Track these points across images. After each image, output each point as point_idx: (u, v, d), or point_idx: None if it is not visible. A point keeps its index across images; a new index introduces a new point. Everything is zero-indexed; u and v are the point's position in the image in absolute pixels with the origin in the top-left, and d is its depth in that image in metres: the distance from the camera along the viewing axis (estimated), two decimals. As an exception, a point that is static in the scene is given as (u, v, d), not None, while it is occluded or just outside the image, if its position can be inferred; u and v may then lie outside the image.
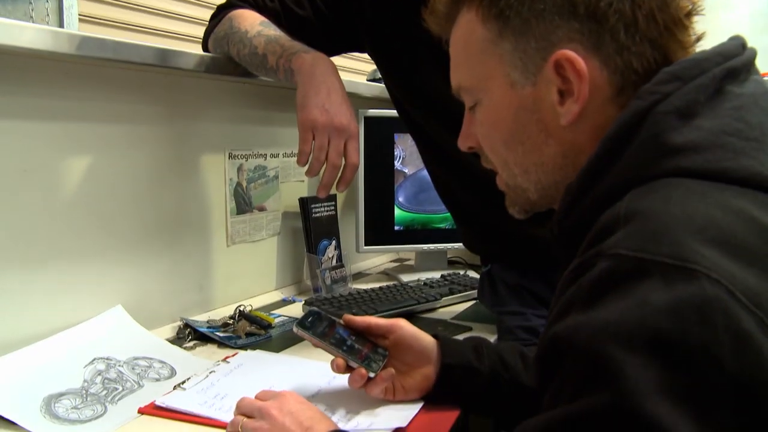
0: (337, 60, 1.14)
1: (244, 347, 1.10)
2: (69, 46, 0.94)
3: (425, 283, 1.48)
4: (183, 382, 0.93)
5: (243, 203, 1.38)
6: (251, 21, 1.18)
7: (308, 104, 1.04)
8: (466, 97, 0.71)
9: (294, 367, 1.02)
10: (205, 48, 1.28)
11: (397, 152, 1.70)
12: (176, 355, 1.05)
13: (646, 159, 0.55)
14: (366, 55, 1.29)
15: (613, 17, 0.59)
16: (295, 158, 1.07)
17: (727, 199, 0.50)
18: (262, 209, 1.44)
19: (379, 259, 1.94)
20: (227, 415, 0.81)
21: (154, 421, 0.84)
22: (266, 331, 1.18)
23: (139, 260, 1.15)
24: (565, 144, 0.64)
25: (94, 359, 0.96)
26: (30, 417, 0.81)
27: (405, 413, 0.85)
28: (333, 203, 1.58)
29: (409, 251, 1.87)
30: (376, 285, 1.46)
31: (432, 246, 1.75)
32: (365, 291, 1.38)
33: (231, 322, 1.20)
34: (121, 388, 0.91)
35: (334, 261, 1.56)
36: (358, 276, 1.74)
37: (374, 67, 1.44)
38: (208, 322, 1.21)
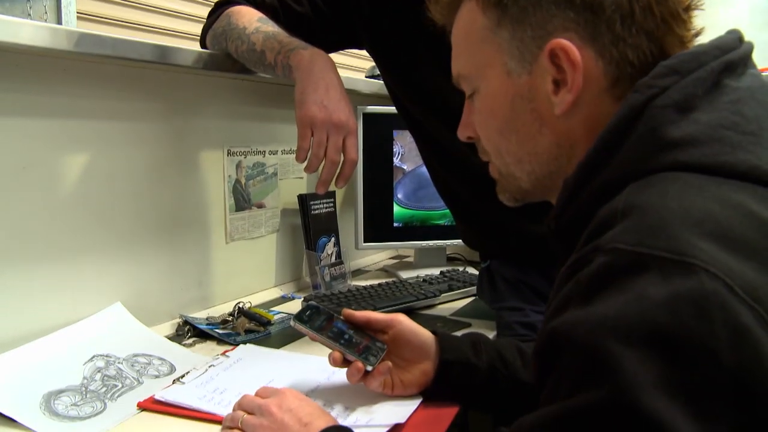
0: (335, 57, 1.13)
1: (243, 344, 1.10)
2: (67, 42, 0.94)
3: (424, 280, 1.48)
4: (182, 376, 0.93)
5: (242, 200, 1.38)
6: (249, 17, 1.18)
7: (307, 101, 1.04)
8: (465, 86, 0.72)
9: (293, 362, 1.02)
10: (203, 45, 1.28)
11: (396, 149, 1.70)
12: (175, 351, 1.05)
13: (644, 153, 0.55)
14: (364, 52, 1.29)
15: (610, 8, 0.59)
16: (294, 155, 1.07)
17: (725, 193, 0.50)
18: (261, 206, 1.44)
19: (378, 255, 1.94)
20: (226, 410, 0.81)
21: (153, 418, 0.84)
22: (265, 328, 1.18)
23: (139, 257, 1.15)
24: (559, 134, 0.64)
25: (94, 356, 0.97)
26: (30, 414, 0.81)
27: (404, 409, 0.85)
28: (332, 200, 1.58)
29: (408, 248, 1.87)
30: (375, 282, 1.46)
31: (431, 243, 1.75)
32: (364, 288, 1.38)
33: (230, 319, 1.21)
34: (120, 385, 0.92)
35: (333, 258, 1.56)
36: (357, 273, 1.74)
37: (373, 63, 1.44)
38: (207, 319, 1.21)
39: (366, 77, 1.86)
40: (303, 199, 1.51)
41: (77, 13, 1.88)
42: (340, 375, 0.90)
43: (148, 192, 1.17)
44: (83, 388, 0.89)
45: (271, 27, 1.15)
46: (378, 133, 1.67)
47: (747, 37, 0.61)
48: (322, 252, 1.53)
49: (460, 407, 0.87)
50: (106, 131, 1.09)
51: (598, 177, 0.58)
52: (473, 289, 1.41)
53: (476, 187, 1.16)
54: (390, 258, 1.98)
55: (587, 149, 0.59)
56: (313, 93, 1.04)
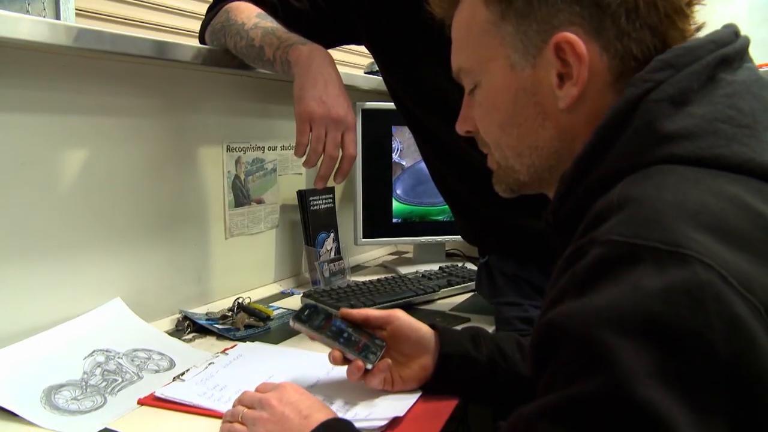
0: (334, 53, 1.14)
1: (242, 339, 1.11)
2: (66, 38, 0.94)
3: (423, 275, 1.49)
4: (182, 374, 0.93)
5: (241, 196, 1.39)
6: (248, 13, 1.18)
7: (305, 96, 1.05)
8: (466, 80, 0.72)
9: (292, 358, 1.02)
10: (202, 40, 1.28)
11: (394, 145, 1.70)
12: (175, 347, 1.06)
13: (639, 146, 0.55)
14: (363, 48, 1.29)
15: (615, 2, 0.59)
16: (293, 151, 1.07)
17: (720, 186, 0.50)
18: (260, 202, 1.44)
19: (377, 251, 1.94)
20: (226, 406, 0.81)
21: (153, 412, 0.85)
22: (265, 323, 1.18)
23: (138, 253, 1.16)
24: (561, 128, 0.64)
25: (94, 351, 0.97)
26: (30, 408, 0.81)
27: (403, 403, 0.85)
28: (331, 196, 1.58)
29: (407, 243, 1.88)
30: (375, 277, 1.46)
31: (430, 238, 1.75)
32: (363, 283, 1.38)
33: (230, 314, 1.21)
34: (120, 380, 0.92)
35: (333, 253, 1.56)
36: (357, 268, 1.74)
37: (372, 60, 1.44)
38: (206, 314, 1.22)
39: (365, 73, 1.87)
40: (302, 195, 1.51)
41: (75, 9, 1.88)
42: (339, 370, 0.90)
43: (148, 187, 1.17)
44: (83, 383, 0.89)
45: (269, 23, 1.16)
46: (377, 129, 1.67)
47: (745, 33, 0.61)
48: (322, 248, 1.53)
49: (458, 401, 0.88)
50: (105, 127, 1.09)
51: (594, 171, 0.58)
52: (472, 284, 1.41)
53: (475, 183, 1.16)
54: (389, 253, 1.98)
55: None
56: (312, 88, 1.05)
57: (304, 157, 1.06)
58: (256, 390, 0.80)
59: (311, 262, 1.50)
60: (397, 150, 1.71)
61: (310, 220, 1.51)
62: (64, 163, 1.03)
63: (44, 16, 1.75)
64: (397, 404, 0.85)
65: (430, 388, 0.89)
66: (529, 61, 0.63)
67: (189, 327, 1.15)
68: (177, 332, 1.14)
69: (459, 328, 0.95)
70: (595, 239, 0.50)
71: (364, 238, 1.69)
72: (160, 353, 1.01)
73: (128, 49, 1.04)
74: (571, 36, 0.60)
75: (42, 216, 0.99)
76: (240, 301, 1.25)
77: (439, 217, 1.75)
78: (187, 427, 0.81)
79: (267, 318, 1.20)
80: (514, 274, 1.19)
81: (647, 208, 0.49)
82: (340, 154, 1.07)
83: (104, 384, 0.90)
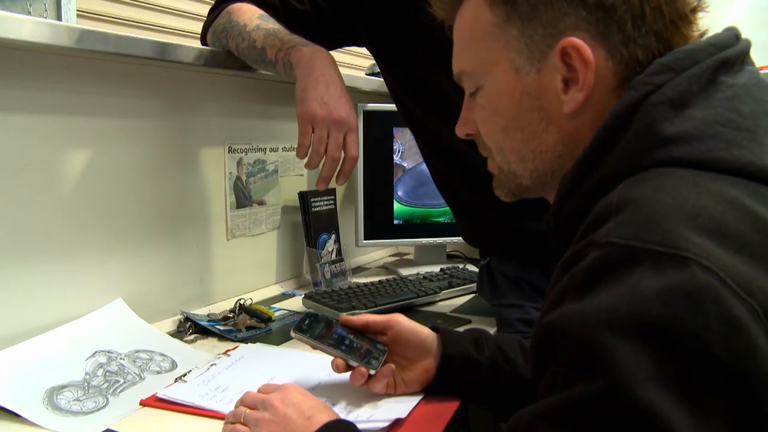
0: (335, 55, 1.14)
1: (244, 340, 1.11)
2: (69, 39, 0.94)
3: (424, 277, 1.49)
4: (184, 375, 0.94)
5: (243, 197, 1.39)
6: (250, 14, 1.18)
7: (307, 97, 1.05)
8: (468, 83, 0.71)
9: (294, 359, 1.02)
10: (203, 42, 1.28)
11: (396, 146, 1.71)
12: (177, 348, 1.06)
13: (639, 149, 0.56)
14: (365, 50, 1.29)
15: (622, 8, 0.59)
16: (295, 152, 1.08)
17: (719, 188, 0.51)
18: (261, 203, 1.44)
19: (378, 253, 1.94)
20: (228, 407, 0.81)
21: (155, 413, 0.85)
22: (266, 325, 1.19)
23: (140, 254, 1.16)
24: (565, 132, 0.64)
25: (96, 352, 0.97)
26: (33, 408, 0.82)
27: (405, 405, 0.86)
28: (332, 197, 1.58)
29: (408, 245, 1.88)
30: (376, 279, 1.46)
31: (431, 240, 1.75)
32: (365, 285, 1.38)
33: (231, 315, 1.21)
34: (122, 381, 0.92)
35: (334, 255, 1.56)
36: (358, 270, 1.74)
37: (373, 61, 1.45)
38: (208, 315, 1.22)
39: (366, 75, 1.87)
40: (303, 197, 1.51)
41: (77, 11, 1.89)
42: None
43: (150, 189, 1.17)
44: (85, 384, 0.90)
45: (271, 24, 1.16)
46: (378, 131, 1.67)
47: (745, 36, 0.61)
48: (323, 249, 1.53)
49: (460, 402, 0.88)
50: (107, 128, 1.09)
51: (594, 173, 0.58)
52: (473, 286, 1.42)
53: (476, 185, 1.17)
54: (390, 255, 1.99)
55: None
56: (314, 90, 1.05)
57: (306, 159, 1.06)
58: (259, 391, 0.81)
59: (312, 263, 1.50)
60: (399, 152, 1.71)
61: (312, 222, 1.52)
62: (66, 164, 1.03)
63: (46, 17, 1.76)
64: (400, 406, 0.85)
65: (432, 390, 0.89)
66: (534, 65, 0.63)
67: (190, 328, 1.16)
68: (178, 333, 1.15)
69: (460, 329, 0.95)
70: (594, 241, 0.50)
71: (365, 239, 1.69)
72: (162, 354, 1.02)
73: (130, 50, 1.04)
74: (577, 41, 0.60)
75: (45, 217, 1.00)
76: (241, 302, 1.25)
77: (441, 219, 1.75)
78: (189, 428, 0.82)
79: (268, 319, 1.21)
80: (516, 276, 1.19)
81: (646, 211, 0.49)
82: (342, 155, 1.07)
83: (106, 385, 0.90)
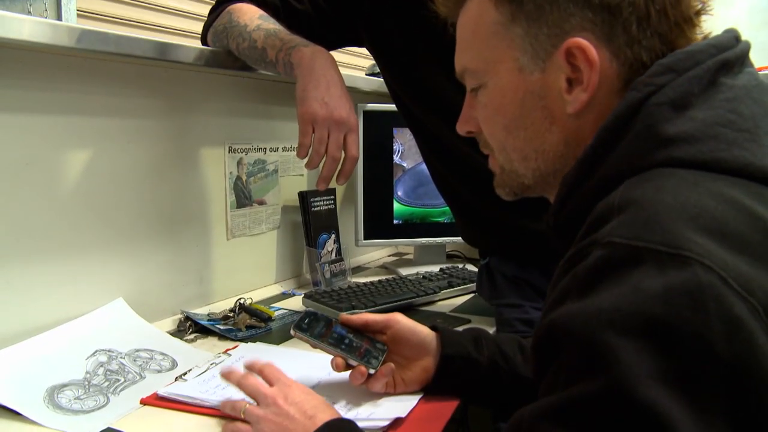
0: (336, 55, 1.14)
1: (244, 340, 1.11)
2: (69, 39, 0.95)
3: (424, 277, 1.49)
4: (184, 374, 0.94)
5: (243, 197, 1.39)
6: (250, 15, 1.19)
7: (308, 97, 1.05)
8: (470, 80, 0.71)
9: (294, 358, 1.02)
10: (204, 42, 1.28)
11: (396, 146, 1.71)
12: (177, 347, 1.06)
13: (640, 149, 0.56)
14: (365, 50, 1.29)
15: (627, 10, 0.60)
16: (295, 152, 1.08)
17: (719, 189, 0.51)
18: (261, 203, 1.44)
19: (378, 252, 1.95)
20: (228, 405, 0.81)
21: (156, 412, 0.85)
22: (266, 324, 1.19)
23: (140, 253, 1.16)
24: (568, 132, 0.64)
25: (96, 351, 0.97)
26: (33, 407, 0.82)
27: (404, 404, 0.86)
28: (332, 197, 1.59)
29: (408, 245, 1.88)
30: (375, 278, 1.46)
31: (431, 240, 1.75)
32: (364, 284, 1.39)
33: (231, 314, 1.21)
34: (123, 380, 0.92)
35: (334, 255, 1.57)
36: (357, 270, 1.74)
37: (373, 61, 1.45)
38: (208, 314, 1.22)
39: (366, 75, 1.87)
40: (303, 196, 1.52)
41: (77, 11, 1.89)
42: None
43: (150, 188, 1.17)
44: (86, 383, 0.90)
45: (272, 24, 1.16)
46: (378, 131, 1.67)
47: (745, 37, 0.62)
48: (323, 249, 1.54)
49: (459, 401, 0.88)
50: (108, 128, 1.09)
51: (596, 173, 0.59)
52: (473, 285, 1.42)
53: (476, 185, 1.17)
54: (390, 255, 1.99)
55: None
56: (315, 90, 1.05)
57: (306, 159, 1.06)
58: (263, 375, 0.80)
59: (312, 263, 1.50)
60: (398, 152, 1.71)
61: (312, 222, 1.52)
62: (66, 163, 1.03)
63: (46, 17, 1.76)
64: (399, 405, 0.85)
65: (431, 390, 0.89)
66: (538, 65, 0.63)
67: (191, 327, 1.16)
68: (179, 332, 1.15)
69: (460, 329, 0.95)
70: (596, 241, 0.50)
71: (365, 239, 1.70)
72: (162, 353, 1.02)
73: (131, 50, 1.04)
74: (583, 42, 0.60)
75: (45, 216, 1.00)
76: (241, 301, 1.25)
77: (440, 219, 1.76)
78: (189, 427, 0.82)
79: (268, 319, 1.21)
80: (515, 276, 1.19)
81: (648, 211, 0.49)
82: (343, 155, 1.08)
83: (107, 384, 0.91)
